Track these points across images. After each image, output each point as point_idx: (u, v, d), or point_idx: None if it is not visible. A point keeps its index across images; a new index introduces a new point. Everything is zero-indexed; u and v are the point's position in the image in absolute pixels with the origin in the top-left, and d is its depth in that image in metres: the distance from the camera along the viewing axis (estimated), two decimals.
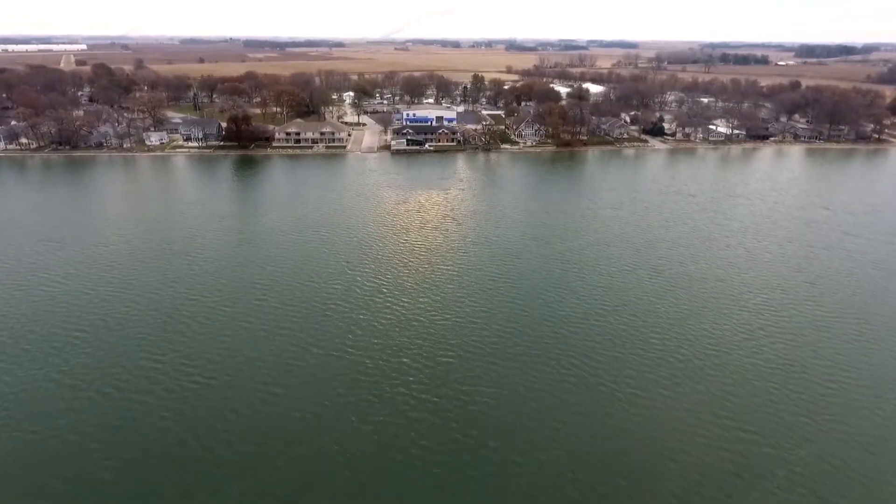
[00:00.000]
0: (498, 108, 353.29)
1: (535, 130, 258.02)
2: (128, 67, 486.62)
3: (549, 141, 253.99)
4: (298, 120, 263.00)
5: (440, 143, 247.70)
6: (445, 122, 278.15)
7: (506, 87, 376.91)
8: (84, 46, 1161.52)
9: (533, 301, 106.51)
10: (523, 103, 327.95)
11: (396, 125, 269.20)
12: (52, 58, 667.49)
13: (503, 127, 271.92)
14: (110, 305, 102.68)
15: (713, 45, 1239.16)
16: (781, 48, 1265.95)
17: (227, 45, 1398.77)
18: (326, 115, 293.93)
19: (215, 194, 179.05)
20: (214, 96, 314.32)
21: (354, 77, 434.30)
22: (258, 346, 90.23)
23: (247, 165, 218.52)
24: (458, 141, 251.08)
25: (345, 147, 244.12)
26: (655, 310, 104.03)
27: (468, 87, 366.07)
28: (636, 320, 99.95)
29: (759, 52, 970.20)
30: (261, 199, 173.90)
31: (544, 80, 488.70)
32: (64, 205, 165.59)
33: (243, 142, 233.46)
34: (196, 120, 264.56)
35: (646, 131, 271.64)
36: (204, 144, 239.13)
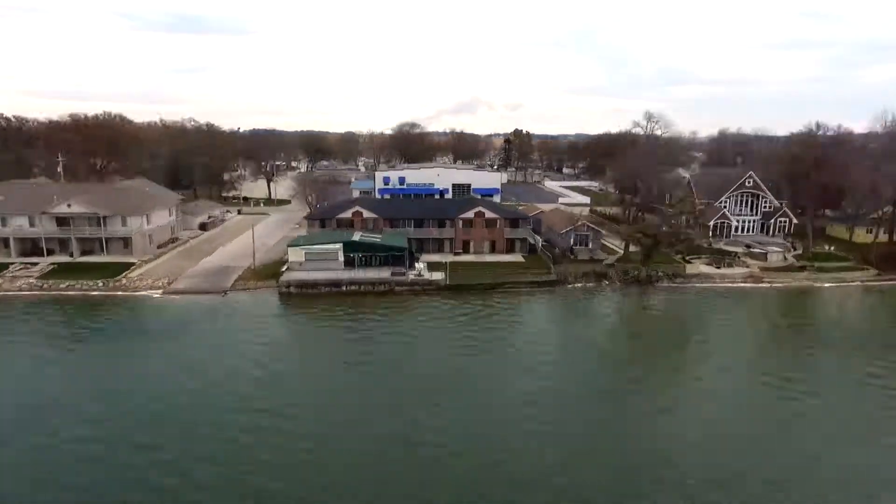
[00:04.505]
0: (573, 178, 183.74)
1: (787, 231, 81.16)
2: None
3: (851, 260, 72.74)
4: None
5: (464, 253, 72.99)
6: (477, 195, 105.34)
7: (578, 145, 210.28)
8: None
9: None
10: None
11: (346, 198, 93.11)
12: None
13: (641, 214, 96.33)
14: None
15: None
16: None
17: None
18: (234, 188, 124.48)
19: None
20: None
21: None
22: None
23: None
24: (532, 247, 76.08)
25: (121, 278, 67.10)
26: None
27: (511, 140, 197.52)
28: None
29: None
30: None
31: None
32: None
33: None
34: None
35: None
36: None
